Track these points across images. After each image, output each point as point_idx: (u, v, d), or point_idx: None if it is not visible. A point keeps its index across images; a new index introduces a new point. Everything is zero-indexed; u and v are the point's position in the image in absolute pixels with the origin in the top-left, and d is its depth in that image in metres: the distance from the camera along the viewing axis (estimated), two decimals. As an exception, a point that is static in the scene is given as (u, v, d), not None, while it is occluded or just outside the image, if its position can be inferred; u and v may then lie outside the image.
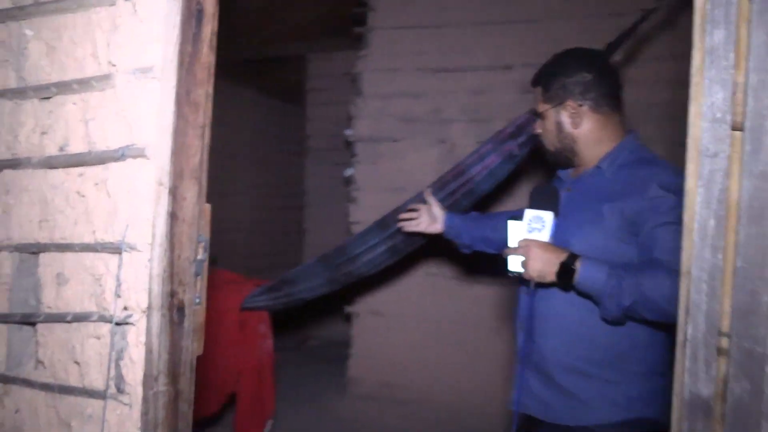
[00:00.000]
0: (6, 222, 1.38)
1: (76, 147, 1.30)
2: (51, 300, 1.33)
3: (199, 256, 1.28)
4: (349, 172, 4.46)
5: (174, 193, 1.19)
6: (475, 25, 4.06)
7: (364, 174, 4.36)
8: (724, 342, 0.79)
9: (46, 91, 1.32)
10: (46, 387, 1.31)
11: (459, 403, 3.87)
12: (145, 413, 1.19)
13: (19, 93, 1.36)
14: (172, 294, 1.21)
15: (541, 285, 1.61)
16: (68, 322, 1.29)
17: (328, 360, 5.31)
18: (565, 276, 1.51)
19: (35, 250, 1.35)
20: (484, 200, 2.70)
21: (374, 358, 4.33)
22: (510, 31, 3.91)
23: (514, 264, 1.61)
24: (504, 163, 2.53)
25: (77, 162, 1.29)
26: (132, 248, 1.21)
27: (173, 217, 1.19)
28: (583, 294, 1.55)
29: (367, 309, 4.38)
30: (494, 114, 3.86)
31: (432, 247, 4.19)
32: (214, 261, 4.71)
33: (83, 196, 1.29)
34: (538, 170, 3.33)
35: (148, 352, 1.19)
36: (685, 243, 0.82)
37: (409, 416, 4.06)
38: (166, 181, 1.18)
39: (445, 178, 2.61)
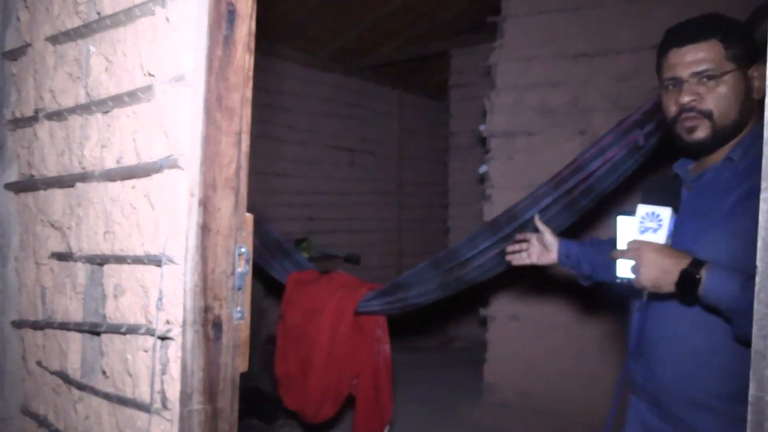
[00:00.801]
0: (77, 233, 1.43)
1: (129, 159, 1.30)
2: (111, 311, 1.35)
3: (240, 269, 1.22)
4: (483, 169, 4.27)
5: (205, 204, 1.14)
6: (617, 3, 3.68)
7: (499, 171, 4.15)
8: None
9: (105, 105, 1.34)
10: (107, 396, 1.34)
11: (601, 418, 3.53)
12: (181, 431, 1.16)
13: (86, 108, 1.40)
14: (206, 309, 1.16)
15: (656, 296, 1.35)
16: (123, 333, 1.30)
17: (470, 363, 5.14)
18: (688, 287, 1.24)
19: (99, 261, 1.38)
20: (606, 199, 2.40)
21: (511, 364, 4.11)
22: (657, 6, 3.48)
23: (623, 269, 1.35)
24: (628, 156, 2.22)
25: (129, 174, 1.29)
26: (170, 261, 1.18)
27: (205, 229, 1.14)
28: (711, 309, 1.27)
29: (504, 313, 4.17)
30: (640, 101, 3.46)
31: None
32: (356, 261, 4.78)
33: (135, 208, 1.29)
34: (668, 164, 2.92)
35: (183, 369, 1.15)
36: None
37: (547, 427, 3.79)
38: (197, 191, 1.14)
39: (561, 174, 2.35)
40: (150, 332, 1.22)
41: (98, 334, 1.39)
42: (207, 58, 1.14)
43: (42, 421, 1.58)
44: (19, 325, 1.67)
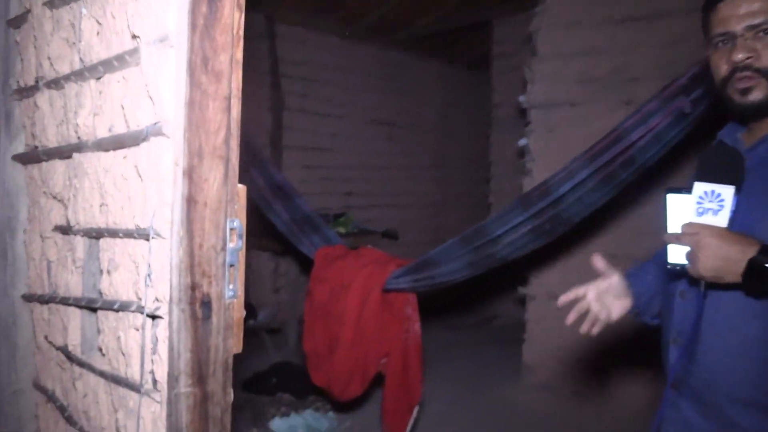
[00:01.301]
0: (75, 206, 1.38)
1: (119, 128, 1.24)
2: (106, 286, 1.29)
3: (232, 245, 1.14)
4: (522, 142, 4.10)
5: (190, 174, 1.06)
6: (668, -39, 3.44)
7: (539, 144, 3.98)
8: None
9: (96, 71, 1.28)
10: (103, 374, 1.29)
11: (642, 402, 3.37)
12: (169, 415, 1.10)
13: (80, 75, 1.33)
14: (194, 287, 1.08)
15: (714, 286, 1.19)
16: (115, 310, 1.25)
17: (510, 342, 5.01)
18: (757, 278, 1.09)
19: (95, 234, 1.32)
20: (647, 173, 2.22)
21: (550, 344, 3.98)
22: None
23: (677, 255, 1.20)
24: (673, 125, 2.03)
25: (119, 144, 1.22)
26: (158, 235, 1.11)
27: (190, 201, 1.06)
28: None
29: (543, 291, 4.02)
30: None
31: (613, 225, 3.70)
32: (394, 237, 4.69)
33: (126, 179, 1.22)
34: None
35: (170, 349, 1.09)
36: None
37: (586, 410, 3.66)
38: (181, 160, 1.06)
39: (599, 145, 2.19)
40: (140, 310, 1.16)
41: (95, 310, 1.34)
42: (190, 16, 1.04)
43: (50, 396, 1.56)
44: (28, 299, 1.65)
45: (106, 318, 1.29)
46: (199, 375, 1.11)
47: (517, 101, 4.63)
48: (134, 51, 1.15)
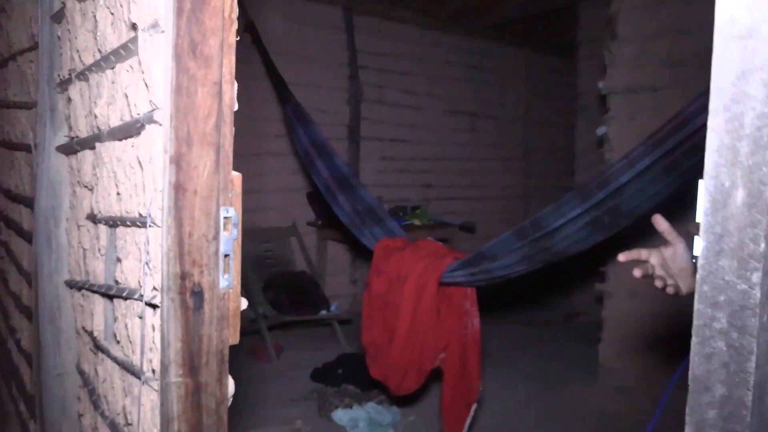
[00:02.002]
0: (97, 195, 1.41)
1: (127, 117, 1.24)
2: (119, 274, 1.31)
3: (227, 234, 1.11)
4: (601, 130, 3.88)
5: (178, 161, 1.04)
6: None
7: (619, 132, 3.74)
8: None
9: (110, 61, 1.29)
10: (116, 361, 1.31)
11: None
12: (161, 404, 1.09)
13: (98, 66, 1.35)
14: (183, 276, 1.06)
15: None
16: (124, 298, 1.26)
17: (589, 340, 4.78)
18: None
19: (112, 223, 1.34)
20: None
21: (629, 345, 3.75)
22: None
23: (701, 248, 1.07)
24: (744, 107, 1.82)
25: (126, 133, 1.23)
26: (154, 223, 1.11)
27: (178, 189, 1.05)
28: None
29: (622, 289, 3.79)
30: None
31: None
32: (471, 230, 4.56)
33: (132, 167, 1.23)
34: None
35: (162, 338, 1.08)
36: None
37: (665, 416, 3.40)
38: (169, 148, 1.04)
39: (662, 131, 2.00)
40: (140, 298, 1.16)
41: (111, 297, 1.37)
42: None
43: (86, 380, 1.61)
44: (69, 285, 1.71)
45: (119, 305, 1.31)
46: (191, 365, 1.09)
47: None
48: (135, 39, 1.15)
